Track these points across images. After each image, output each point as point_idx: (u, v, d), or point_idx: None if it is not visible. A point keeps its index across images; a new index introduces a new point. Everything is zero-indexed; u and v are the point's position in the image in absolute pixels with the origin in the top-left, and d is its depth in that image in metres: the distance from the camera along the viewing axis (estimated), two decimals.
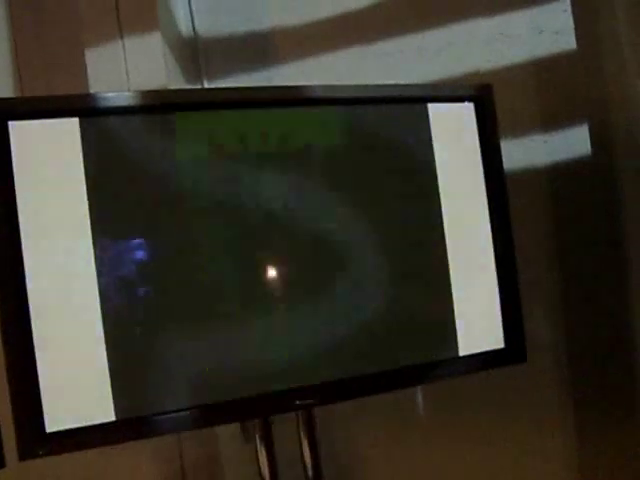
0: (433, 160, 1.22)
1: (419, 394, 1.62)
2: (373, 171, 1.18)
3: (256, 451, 1.21)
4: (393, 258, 1.18)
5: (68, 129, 1.03)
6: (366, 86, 1.22)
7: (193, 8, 1.73)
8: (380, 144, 1.20)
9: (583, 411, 1.54)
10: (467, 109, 1.24)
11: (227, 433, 1.57)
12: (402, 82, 1.48)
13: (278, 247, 1.11)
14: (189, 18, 1.73)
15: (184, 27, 1.72)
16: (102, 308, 1.02)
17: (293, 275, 1.11)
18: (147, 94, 1.09)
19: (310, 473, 1.22)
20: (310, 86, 1.19)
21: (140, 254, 1.05)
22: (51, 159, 1.03)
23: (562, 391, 1.55)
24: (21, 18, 1.77)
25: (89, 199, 1.03)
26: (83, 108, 1.04)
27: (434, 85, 1.40)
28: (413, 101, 1.23)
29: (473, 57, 1.52)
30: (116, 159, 1.05)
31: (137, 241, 1.04)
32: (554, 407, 1.55)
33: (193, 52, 1.73)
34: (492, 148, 1.25)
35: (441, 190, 1.22)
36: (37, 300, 1.00)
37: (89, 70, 1.60)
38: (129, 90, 1.54)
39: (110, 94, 1.06)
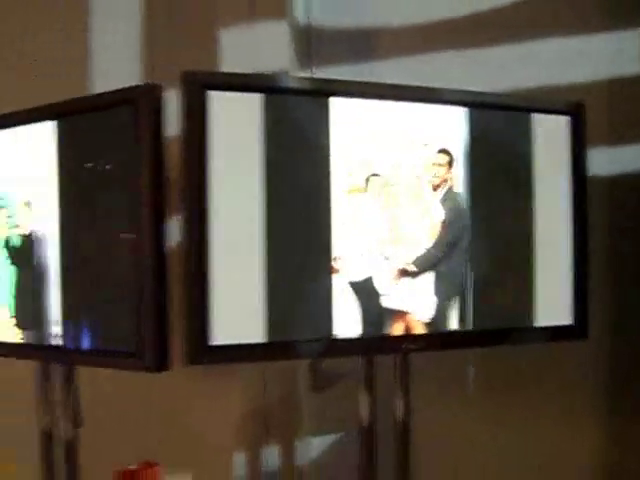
0: (531, 162, 1.52)
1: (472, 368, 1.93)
2: (481, 168, 1.48)
3: (357, 389, 1.51)
4: (494, 243, 1.49)
5: (253, 102, 1.33)
6: (481, 93, 1.52)
7: (312, 1, 2.02)
8: (487, 144, 1.50)
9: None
10: (562, 121, 1.55)
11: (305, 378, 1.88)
12: (494, 88, 1.79)
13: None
14: (305, 9, 2.02)
15: (300, 16, 2.01)
16: (267, 249, 1.32)
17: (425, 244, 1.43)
18: (320, 81, 1.39)
19: (400, 414, 1.52)
20: (435, 88, 1.49)
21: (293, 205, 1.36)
22: (237, 125, 1.32)
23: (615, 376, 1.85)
24: None
25: (265, 161, 1.33)
26: (267, 86, 1.34)
27: (538, 97, 1.68)
28: (520, 110, 1.53)
29: (568, 71, 1.81)
30: (288, 133, 1.35)
31: (299, 200, 1.35)
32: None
33: (306, 40, 2.02)
34: (580, 159, 1.55)
35: (535, 189, 1.53)
36: (216, 235, 1.30)
37: (220, 49, 1.90)
38: (254, 70, 1.84)
39: (291, 77, 1.36)
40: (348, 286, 1.39)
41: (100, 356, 1.40)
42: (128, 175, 1.33)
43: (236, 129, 1.33)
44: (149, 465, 1.13)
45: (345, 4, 2.01)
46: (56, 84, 2.00)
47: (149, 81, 1.34)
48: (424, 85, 1.48)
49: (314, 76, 1.43)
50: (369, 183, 1.39)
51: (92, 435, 1.56)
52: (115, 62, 2.03)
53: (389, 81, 1.62)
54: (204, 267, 1.30)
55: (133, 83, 1.93)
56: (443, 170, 1.43)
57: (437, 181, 1.43)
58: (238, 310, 1.33)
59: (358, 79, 1.59)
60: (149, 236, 1.31)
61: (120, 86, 1.87)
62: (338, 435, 1.94)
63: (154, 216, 1.31)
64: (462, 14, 1.94)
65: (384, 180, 1.39)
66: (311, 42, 2.02)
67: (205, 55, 1.92)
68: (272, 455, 1.90)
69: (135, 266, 1.31)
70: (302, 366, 1.88)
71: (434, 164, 1.43)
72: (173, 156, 1.33)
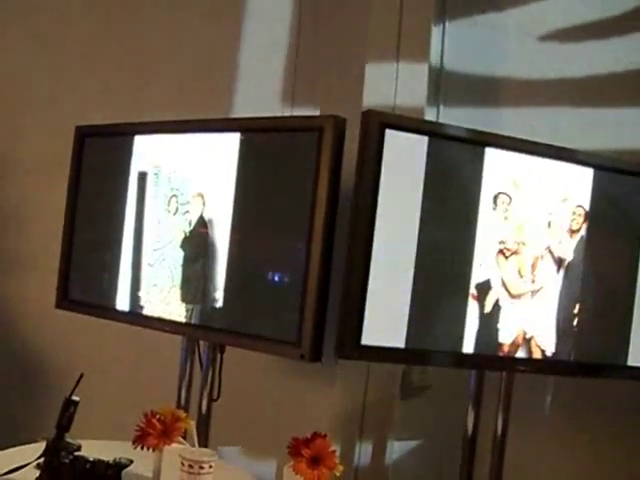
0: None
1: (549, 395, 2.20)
2: (602, 223, 1.77)
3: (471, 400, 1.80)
4: (601, 289, 1.79)
5: (418, 143, 1.63)
6: (611, 158, 1.81)
7: (445, 45, 2.31)
8: (609, 202, 1.78)
9: None
10: None
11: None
12: (608, 148, 2.08)
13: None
14: (439, 52, 2.31)
15: (434, 60, 2.30)
16: (416, 268, 1.62)
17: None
18: (480, 132, 1.69)
19: (499, 426, 1.81)
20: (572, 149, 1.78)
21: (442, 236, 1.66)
22: (405, 160, 1.62)
23: None
24: (308, 21, 2.36)
25: (423, 195, 1.63)
26: (433, 131, 1.64)
27: None
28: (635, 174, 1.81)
29: None
30: (447, 171, 1.65)
31: (449, 229, 1.65)
32: None
33: (437, 82, 2.31)
34: None
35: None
36: (377, 251, 1.59)
37: (366, 83, 2.19)
38: (394, 106, 2.14)
39: (455, 127, 1.67)
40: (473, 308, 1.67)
41: (257, 340, 1.69)
42: (305, 191, 1.62)
43: (404, 163, 1.62)
44: (320, 435, 1.40)
45: (476, 52, 2.30)
46: (201, 100, 2.33)
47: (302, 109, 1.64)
48: (556, 142, 1.77)
49: (469, 126, 1.72)
50: (497, 200, 1.67)
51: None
52: (257, 86, 2.35)
53: (508, 128, 1.92)
54: (365, 277, 1.59)
55: (273, 106, 2.29)
56: (581, 219, 1.72)
57: (576, 226, 1.71)
58: (386, 317, 1.62)
59: (485, 125, 1.88)
60: (319, 244, 1.60)
61: (261, 107, 2.20)
62: (424, 441, 2.23)
63: (325, 227, 1.60)
64: (583, 74, 2.22)
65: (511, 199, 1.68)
66: (441, 84, 2.31)
67: (346, 87, 2.22)
68: (364, 452, 2.18)
69: (304, 268, 1.61)
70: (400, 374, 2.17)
71: (574, 213, 1.71)
72: (345, 176, 1.64)
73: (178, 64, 2.41)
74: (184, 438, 1.53)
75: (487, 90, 2.29)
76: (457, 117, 2.22)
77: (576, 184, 1.74)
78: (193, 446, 1.48)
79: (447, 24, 2.28)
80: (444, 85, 2.30)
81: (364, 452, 2.18)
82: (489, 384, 1.81)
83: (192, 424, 1.51)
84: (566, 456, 2.10)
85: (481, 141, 1.67)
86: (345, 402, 2.15)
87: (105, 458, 1.42)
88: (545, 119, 2.22)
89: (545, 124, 2.20)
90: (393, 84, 2.16)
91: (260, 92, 2.35)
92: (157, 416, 1.45)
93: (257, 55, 2.39)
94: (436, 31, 2.25)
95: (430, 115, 2.19)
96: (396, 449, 2.24)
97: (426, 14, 2.20)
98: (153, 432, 1.42)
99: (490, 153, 1.68)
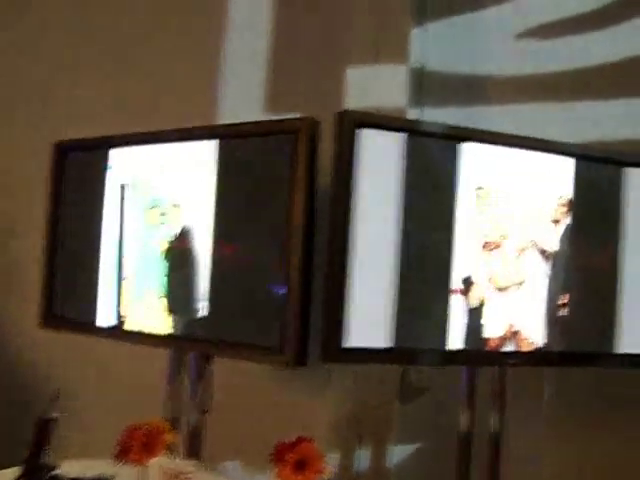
0: (621, 206, 1.77)
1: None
2: (584, 211, 1.73)
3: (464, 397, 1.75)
4: (585, 276, 1.75)
5: (394, 141, 1.60)
6: (591, 147, 1.78)
7: (427, 46, 2.28)
8: (590, 190, 1.74)
9: None
10: None
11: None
12: (589, 140, 2.04)
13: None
14: (420, 52, 2.28)
15: (416, 60, 2.27)
16: (398, 267, 1.58)
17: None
18: (455, 128, 1.65)
19: (495, 423, 1.76)
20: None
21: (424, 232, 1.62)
22: (381, 159, 1.59)
23: None
24: (287, 26, 2.33)
25: (402, 193, 1.59)
26: (408, 128, 1.61)
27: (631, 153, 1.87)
28: (614, 163, 1.77)
29: None
30: (422, 170, 1.61)
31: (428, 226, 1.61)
32: None
33: (419, 82, 2.28)
34: None
35: (623, 230, 1.77)
36: (356, 252, 1.55)
37: (346, 85, 2.16)
38: (376, 109, 2.11)
39: (430, 123, 1.63)
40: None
41: (241, 349, 1.65)
42: (282, 193, 1.59)
43: (381, 162, 1.59)
44: (305, 439, 1.36)
45: (457, 52, 2.27)
46: (181, 109, 2.30)
47: (304, 114, 1.61)
48: (537, 136, 1.73)
49: (447, 123, 1.69)
50: (478, 193, 1.64)
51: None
52: (240, 91, 2.33)
53: (491, 125, 1.88)
54: (343, 279, 1.55)
55: (256, 112, 2.26)
56: (564, 209, 1.68)
57: (559, 217, 1.68)
58: (370, 318, 1.58)
59: (468, 123, 1.85)
60: (298, 247, 1.57)
61: (244, 114, 2.18)
62: (424, 443, 2.19)
63: (304, 230, 1.57)
64: (564, 69, 2.19)
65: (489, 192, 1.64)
66: (423, 84, 2.28)
67: (327, 90, 2.19)
68: (363, 458, 2.13)
69: (284, 273, 1.57)
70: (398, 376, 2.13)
71: (558, 203, 1.68)
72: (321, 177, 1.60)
73: (157, 73, 2.39)
74: (171, 451, 1.49)
75: (470, 89, 2.27)
76: (441, 117, 2.19)
77: (558, 175, 1.70)
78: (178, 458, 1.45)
79: (428, 25, 2.25)
80: (426, 86, 2.27)
81: (364, 457, 2.13)
82: (485, 384, 1.77)
83: (176, 436, 1.47)
84: (566, 453, 2.06)
85: (457, 136, 1.63)
86: (342, 407, 2.11)
87: (85, 476, 1.38)
88: (529, 116, 2.19)
89: (529, 121, 2.17)
90: (374, 86, 2.14)
91: (241, 99, 2.33)
92: (139, 430, 1.41)
93: (237, 61, 2.37)
94: (417, 32, 2.21)
95: (413, 116, 2.16)
96: (396, 453, 2.20)
97: (406, 16, 2.18)
98: (134, 446, 1.38)
99: (468, 148, 1.63)
